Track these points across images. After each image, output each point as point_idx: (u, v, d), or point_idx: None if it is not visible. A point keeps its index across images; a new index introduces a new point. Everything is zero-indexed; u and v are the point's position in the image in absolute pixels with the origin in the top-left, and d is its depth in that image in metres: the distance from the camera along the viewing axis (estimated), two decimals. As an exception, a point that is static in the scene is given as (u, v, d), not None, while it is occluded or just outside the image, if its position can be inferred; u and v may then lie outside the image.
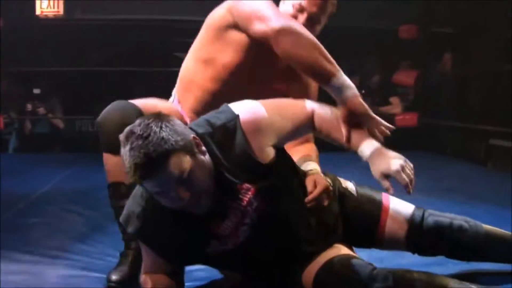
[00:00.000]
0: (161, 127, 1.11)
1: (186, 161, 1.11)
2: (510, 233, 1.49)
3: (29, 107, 4.81)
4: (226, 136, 1.18)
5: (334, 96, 1.27)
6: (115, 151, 1.41)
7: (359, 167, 1.46)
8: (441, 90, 5.03)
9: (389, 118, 4.95)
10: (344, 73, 1.27)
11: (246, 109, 1.21)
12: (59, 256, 1.84)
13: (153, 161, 1.08)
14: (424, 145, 4.80)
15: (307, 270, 1.29)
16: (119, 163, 1.47)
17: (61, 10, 4.82)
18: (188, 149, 1.13)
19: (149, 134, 1.09)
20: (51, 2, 4.82)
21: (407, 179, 1.20)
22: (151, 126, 1.11)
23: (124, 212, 1.28)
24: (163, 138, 1.10)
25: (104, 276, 1.58)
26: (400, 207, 1.48)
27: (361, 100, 1.24)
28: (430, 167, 3.77)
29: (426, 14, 5.02)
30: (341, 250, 1.32)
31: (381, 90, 5.03)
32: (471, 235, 1.42)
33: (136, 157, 1.08)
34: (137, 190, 1.27)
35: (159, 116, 1.14)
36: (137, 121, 1.13)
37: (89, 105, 5.41)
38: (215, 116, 1.23)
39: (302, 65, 1.28)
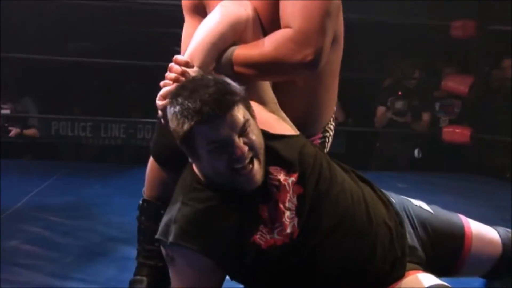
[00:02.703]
0: (223, 79, 1.31)
1: (247, 114, 1.31)
2: None
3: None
4: None
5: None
6: (165, 163, 1.48)
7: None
8: (498, 101, 5.06)
9: (434, 131, 5.01)
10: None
11: None
12: (52, 286, 1.86)
13: (223, 100, 1.26)
14: (476, 167, 4.85)
15: None
16: (163, 180, 1.53)
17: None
18: (248, 104, 1.33)
19: (214, 82, 1.28)
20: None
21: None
22: (210, 77, 1.31)
23: (162, 226, 1.36)
24: (230, 84, 1.30)
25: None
26: (481, 227, 1.56)
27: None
28: (488, 193, 3.79)
29: (484, 10, 5.02)
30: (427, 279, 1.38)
31: (419, 92, 5.07)
32: None
33: (204, 94, 1.25)
34: (176, 196, 1.37)
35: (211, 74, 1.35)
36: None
37: (69, 104, 5.48)
38: None
39: None
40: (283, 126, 1.45)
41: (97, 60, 5.19)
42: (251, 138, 1.30)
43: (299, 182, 1.36)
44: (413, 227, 1.50)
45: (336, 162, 1.48)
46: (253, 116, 1.33)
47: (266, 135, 1.37)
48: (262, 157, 1.32)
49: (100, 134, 5.23)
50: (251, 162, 1.29)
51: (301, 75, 1.48)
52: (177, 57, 1.40)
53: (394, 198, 1.55)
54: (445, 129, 4.89)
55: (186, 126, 1.26)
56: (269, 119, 1.44)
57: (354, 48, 5.33)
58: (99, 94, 5.44)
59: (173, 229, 1.31)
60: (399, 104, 4.95)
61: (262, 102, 1.47)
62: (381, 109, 5.08)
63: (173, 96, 1.30)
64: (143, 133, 5.13)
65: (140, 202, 1.67)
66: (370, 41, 5.24)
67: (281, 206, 1.34)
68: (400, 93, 5.00)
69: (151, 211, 1.63)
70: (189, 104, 1.25)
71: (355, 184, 1.45)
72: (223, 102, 1.25)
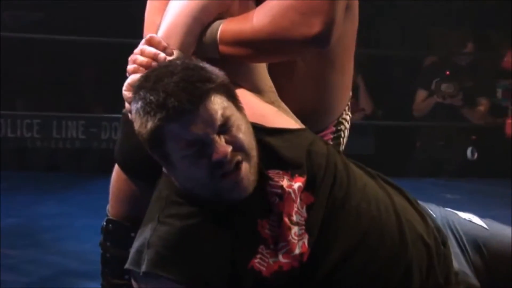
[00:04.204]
0: (195, 64, 1.34)
1: (229, 106, 1.32)
2: None
3: None
4: None
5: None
6: (134, 172, 1.50)
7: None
8: None
9: (494, 123, 4.99)
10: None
11: None
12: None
13: (192, 90, 1.28)
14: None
15: None
16: (133, 193, 1.56)
17: None
18: (230, 93, 1.34)
19: (182, 67, 1.31)
20: None
21: None
22: (178, 62, 1.34)
23: (132, 253, 1.36)
24: (203, 68, 1.32)
25: None
26: None
27: None
28: None
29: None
30: None
31: (474, 71, 5.07)
32: None
33: (168, 84, 1.28)
34: (150, 213, 1.39)
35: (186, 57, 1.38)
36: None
37: (9, 96, 5.47)
38: None
39: None
40: (284, 119, 1.47)
41: (46, 36, 5.19)
42: (236, 136, 1.31)
43: (308, 188, 1.38)
44: (462, 247, 1.51)
45: (355, 163, 1.50)
46: (239, 108, 1.35)
47: (261, 130, 1.39)
48: (253, 159, 1.34)
49: (51, 135, 5.22)
50: (238, 166, 1.31)
51: (307, 54, 1.50)
52: (153, 36, 1.41)
53: (435, 210, 1.56)
54: (509, 121, 4.90)
55: (149, 125, 1.29)
56: (265, 110, 1.46)
57: (385, 17, 5.36)
58: (49, 82, 5.44)
59: (147, 255, 1.32)
60: (447, 87, 4.97)
61: (257, 90, 1.49)
62: (422, 93, 5.11)
63: (135, 90, 1.33)
64: (109, 132, 5.13)
65: (104, 223, 1.68)
66: (405, 7, 5.24)
67: (286, 220, 1.36)
68: (448, 72, 5.02)
69: (119, 235, 1.64)
70: (151, 98, 1.28)
71: (381, 191, 1.47)
72: (193, 91, 1.27)
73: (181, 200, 1.37)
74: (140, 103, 1.30)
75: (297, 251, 1.35)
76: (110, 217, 1.67)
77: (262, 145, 1.37)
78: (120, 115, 1.63)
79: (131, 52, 1.44)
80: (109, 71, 5.20)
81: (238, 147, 1.31)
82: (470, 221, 1.58)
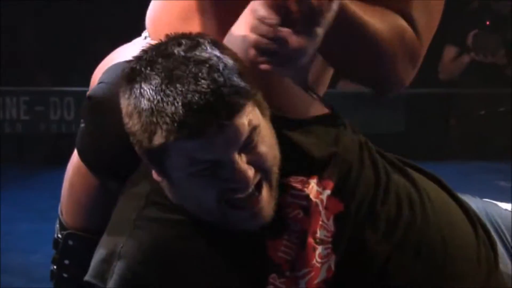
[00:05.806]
0: (222, 61, 1.28)
1: (255, 114, 1.29)
2: None
3: None
4: None
5: None
6: (111, 172, 1.51)
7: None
8: None
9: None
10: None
11: None
12: None
13: (224, 105, 1.24)
14: None
15: None
16: (104, 198, 1.56)
17: None
18: (259, 99, 1.31)
19: (215, 62, 1.26)
20: None
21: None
22: (208, 51, 1.28)
23: (96, 262, 1.36)
24: (234, 71, 1.28)
25: None
26: None
27: None
28: None
29: None
30: None
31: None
32: None
33: (192, 92, 1.23)
34: (121, 213, 1.39)
35: (211, 39, 1.32)
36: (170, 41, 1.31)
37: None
38: None
39: None
40: (311, 102, 1.46)
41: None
42: (259, 152, 1.29)
43: (336, 193, 1.39)
44: (506, 245, 1.55)
45: (377, 150, 1.50)
46: (264, 112, 1.32)
47: (285, 122, 1.38)
48: (275, 175, 1.32)
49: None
50: (259, 188, 1.30)
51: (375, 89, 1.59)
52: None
53: (471, 203, 1.58)
54: None
55: (157, 139, 1.25)
56: (291, 91, 1.44)
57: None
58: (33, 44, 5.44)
59: (116, 269, 1.33)
60: (487, 41, 5.00)
61: None
62: (451, 50, 5.17)
63: (132, 74, 1.29)
64: (60, 111, 5.13)
65: (59, 235, 1.67)
66: None
67: (311, 240, 1.36)
68: (488, 22, 5.05)
69: (83, 251, 1.59)
70: (166, 106, 1.23)
71: (412, 187, 1.48)
72: (222, 108, 1.24)
73: (166, 201, 1.35)
74: (144, 102, 1.25)
75: (321, 277, 1.36)
76: (71, 231, 1.65)
77: (284, 142, 1.35)
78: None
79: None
80: (57, 29, 5.20)
81: (259, 165, 1.29)
82: None
